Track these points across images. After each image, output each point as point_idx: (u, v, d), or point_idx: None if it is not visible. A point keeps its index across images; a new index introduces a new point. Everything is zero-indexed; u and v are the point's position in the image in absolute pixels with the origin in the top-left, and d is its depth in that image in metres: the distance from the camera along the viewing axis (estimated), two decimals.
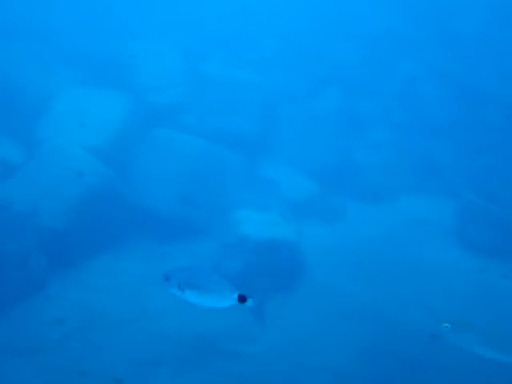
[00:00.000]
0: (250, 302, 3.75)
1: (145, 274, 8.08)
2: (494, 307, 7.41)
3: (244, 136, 10.81)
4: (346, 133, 12.20)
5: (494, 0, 13.01)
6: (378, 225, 10.10)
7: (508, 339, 4.82)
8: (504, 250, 8.83)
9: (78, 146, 8.63)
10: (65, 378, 5.69)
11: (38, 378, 5.65)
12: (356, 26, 13.67)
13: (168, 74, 11.34)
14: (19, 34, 10.84)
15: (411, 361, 6.35)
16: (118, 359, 5.97)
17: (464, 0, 13.31)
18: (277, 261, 7.61)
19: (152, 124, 10.23)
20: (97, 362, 5.93)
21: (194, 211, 8.93)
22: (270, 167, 10.89)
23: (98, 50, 11.36)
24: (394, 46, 13.50)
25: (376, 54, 13.40)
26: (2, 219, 6.67)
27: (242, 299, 3.75)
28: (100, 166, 8.27)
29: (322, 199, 10.64)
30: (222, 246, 8.07)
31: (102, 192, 8.17)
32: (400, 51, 13.45)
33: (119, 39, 11.60)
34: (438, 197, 11.24)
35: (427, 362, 6.35)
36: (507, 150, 11.14)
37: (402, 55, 13.41)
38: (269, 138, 11.43)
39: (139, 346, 6.21)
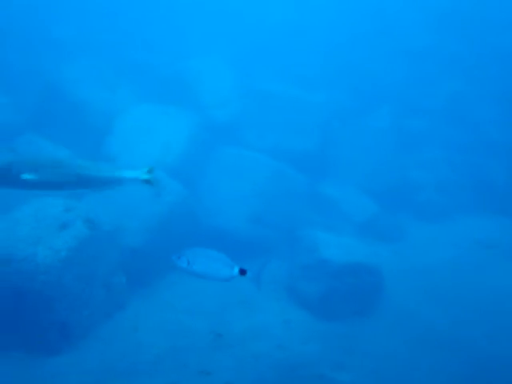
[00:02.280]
0: (249, 274, 4.37)
1: (219, 293, 8.06)
2: None
3: (302, 154, 10.80)
4: (400, 151, 12.17)
5: None
6: (443, 246, 10.01)
7: None
8: None
9: (152, 164, 8.64)
10: None
11: None
12: (403, 45, 13.69)
13: (226, 91, 11.40)
14: (84, 51, 10.97)
15: None
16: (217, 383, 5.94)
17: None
18: (357, 284, 7.54)
19: (214, 141, 10.30)
20: None
21: (265, 231, 8.91)
22: (330, 186, 10.84)
23: (159, 67, 11.46)
24: (442, 64, 13.47)
25: (424, 72, 13.40)
26: (92, 238, 6.68)
27: (243, 272, 4.33)
28: (176, 185, 8.29)
29: (383, 219, 10.57)
30: (297, 268, 8.03)
31: (178, 211, 8.19)
32: (448, 69, 13.42)
33: (178, 57, 11.70)
34: (497, 217, 11.14)
35: None
36: None
37: (450, 73, 13.38)
38: (326, 156, 11.42)
39: (235, 370, 6.17)
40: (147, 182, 4.26)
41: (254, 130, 10.95)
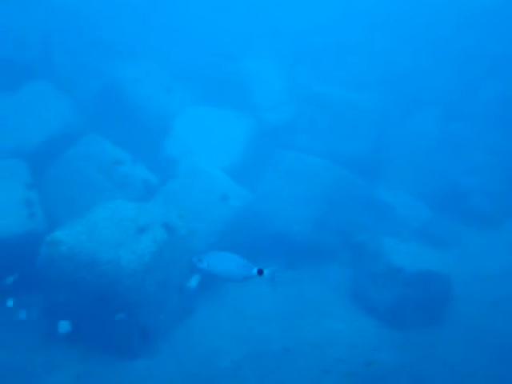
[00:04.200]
0: (265, 274, 4.61)
1: (283, 299, 8.02)
2: None
3: (355, 157, 10.70)
4: (449, 156, 12.02)
5: None
6: (502, 254, 9.86)
7: None
8: None
9: (215, 167, 8.65)
10: None
11: None
12: (449, 47, 13.55)
13: (278, 93, 11.33)
14: (140, 53, 10.99)
15: None
16: None
17: None
18: (428, 292, 7.45)
19: (270, 144, 10.25)
20: None
21: (327, 236, 8.84)
22: (383, 190, 10.74)
23: (213, 69, 11.43)
24: (487, 67, 13.30)
25: (470, 75, 13.24)
26: (169, 242, 6.66)
27: (260, 272, 4.58)
28: (241, 189, 8.25)
29: (439, 225, 10.45)
30: (365, 275, 7.94)
31: (244, 215, 8.16)
32: (494, 72, 13.24)
33: (231, 59, 11.66)
34: None
35: None
36: None
37: (495, 76, 13.20)
38: (377, 160, 11.32)
39: (313, 379, 6.11)
40: None
41: (307, 132, 10.88)
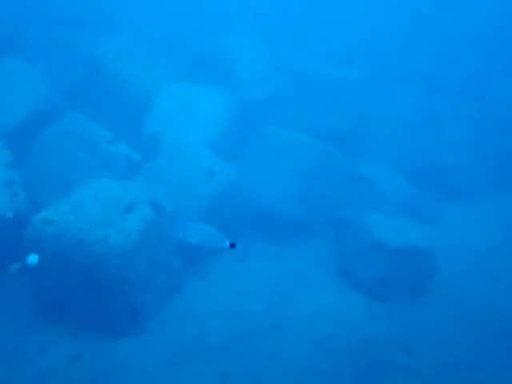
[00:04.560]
0: (238, 246, 4.78)
1: (270, 274, 8.09)
2: None
3: (337, 133, 10.73)
4: (428, 131, 12.14)
5: None
6: (482, 227, 10.07)
7: None
8: None
9: (199, 143, 8.58)
10: None
11: None
12: (425, 22, 13.58)
13: (260, 68, 11.23)
14: (118, 28, 10.73)
15: None
16: (288, 368, 5.97)
17: None
18: (412, 267, 7.59)
19: (252, 119, 10.19)
20: (268, 370, 5.93)
21: (311, 212, 8.88)
22: (365, 166, 10.82)
23: (193, 44, 11.24)
24: (464, 43, 13.41)
25: (447, 51, 13.33)
26: (156, 220, 6.62)
27: (232, 245, 4.74)
28: (226, 165, 8.21)
29: (419, 199, 10.60)
30: (350, 250, 8.04)
31: (229, 191, 8.14)
32: (470, 47, 13.36)
33: (212, 34, 11.46)
34: None
35: None
36: None
37: (472, 51, 13.33)
38: (358, 135, 11.39)
39: (307, 354, 6.21)
40: None
41: (290, 108, 10.85)
